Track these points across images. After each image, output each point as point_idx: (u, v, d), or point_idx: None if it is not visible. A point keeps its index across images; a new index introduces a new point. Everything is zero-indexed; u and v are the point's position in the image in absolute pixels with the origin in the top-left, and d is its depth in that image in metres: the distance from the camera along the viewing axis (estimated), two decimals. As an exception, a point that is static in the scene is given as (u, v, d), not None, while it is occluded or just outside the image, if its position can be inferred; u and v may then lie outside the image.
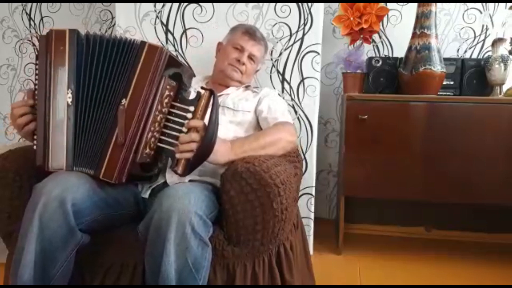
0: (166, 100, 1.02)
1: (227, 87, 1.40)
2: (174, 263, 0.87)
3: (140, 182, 1.17)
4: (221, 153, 1.03)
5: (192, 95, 1.04)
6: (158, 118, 1.01)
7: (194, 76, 1.15)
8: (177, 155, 0.98)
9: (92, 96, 1.01)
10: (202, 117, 1.01)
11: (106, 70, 1.01)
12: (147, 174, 1.07)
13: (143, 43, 1.00)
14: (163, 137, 1.04)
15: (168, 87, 1.02)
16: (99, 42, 1.01)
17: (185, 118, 1.01)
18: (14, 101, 2.33)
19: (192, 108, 1.01)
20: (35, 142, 1.02)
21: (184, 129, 1.01)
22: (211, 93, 1.01)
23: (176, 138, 1.01)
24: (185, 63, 1.08)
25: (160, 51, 0.99)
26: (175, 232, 0.87)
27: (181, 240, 0.88)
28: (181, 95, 1.05)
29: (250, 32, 1.40)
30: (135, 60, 1.00)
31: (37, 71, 1.01)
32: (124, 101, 0.98)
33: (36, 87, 1.01)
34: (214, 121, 0.98)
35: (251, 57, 1.39)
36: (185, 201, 0.90)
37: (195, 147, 0.97)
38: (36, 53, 1.04)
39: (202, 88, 1.02)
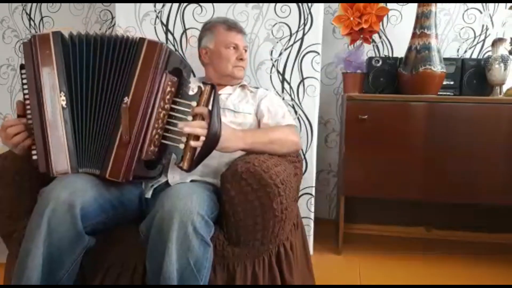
0: (168, 97, 1.01)
1: (224, 86, 1.38)
2: (176, 263, 0.87)
3: (144, 181, 1.17)
4: (232, 140, 1.03)
5: (193, 91, 1.04)
6: (161, 115, 1.01)
7: (192, 71, 1.14)
8: (192, 143, 0.96)
9: (87, 96, 1.00)
10: None
11: (102, 69, 1.00)
12: (151, 171, 1.07)
13: (142, 39, 0.99)
14: (166, 134, 1.03)
15: (169, 83, 1.01)
16: (86, 41, 1.00)
17: (188, 113, 1.00)
18: (14, 101, 2.33)
19: (194, 103, 1.00)
20: (33, 152, 1.00)
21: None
22: (212, 87, 1.00)
23: (180, 134, 1.00)
24: (183, 57, 1.08)
25: (160, 47, 0.98)
26: (177, 232, 0.87)
27: (183, 240, 0.88)
28: (182, 91, 1.04)
29: (233, 26, 1.37)
30: (134, 57, 0.99)
31: (24, 80, 1.00)
32: (126, 99, 0.97)
33: (26, 96, 0.99)
34: (216, 114, 0.97)
35: (245, 49, 1.40)
36: (187, 202, 0.90)
37: (204, 133, 0.95)
38: (21, 66, 1.02)
39: (203, 83, 1.02)
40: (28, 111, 1.00)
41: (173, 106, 1.03)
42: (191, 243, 0.88)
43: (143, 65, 0.98)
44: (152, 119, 0.99)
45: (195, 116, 0.99)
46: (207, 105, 1.00)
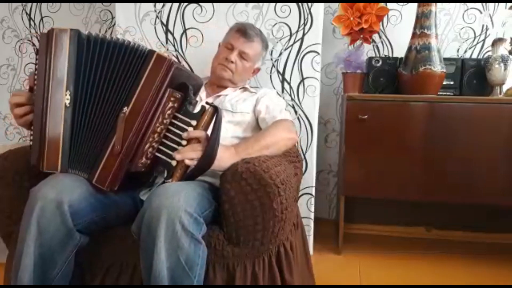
0: (169, 112, 1.00)
1: (225, 88, 1.39)
2: (166, 261, 0.87)
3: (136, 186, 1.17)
4: (225, 160, 1.03)
5: (197, 108, 1.03)
6: (158, 129, 1.00)
7: (202, 85, 1.13)
8: (186, 161, 0.97)
9: (90, 99, 1.00)
10: None
11: (108, 74, 0.99)
12: (140, 181, 1.07)
13: (151, 52, 0.98)
14: (161, 147, 1.02)
15: (172, 98, 1.00)
16: (101, 44, 0.99)
17: (186, 131, 1.00)
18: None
19: (194, 123, 1.00)
20: (31, 137, 0.99)
21: (184, 142, 1.00)
22: (215, 110, 1.00)
23: (174, 150, 1.00)
24: (191, 72, 1.06)
25: (168, 63, 0.96)
26: (165, 230, 0.87)
27: (171, 238, 0.87)
28: (185, 107, 1.02)
29: (242, 30, 1.38)
30: (141, 68, 0.98)
31: (37, 67, 0.98)
32: (125, 109, 0.97)
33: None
34: (215, 138, 0.97)
35: (241, 55, 1.37)
36: (175, 199, 0.89)
37: (196, 156, 0.97)
38: (36, 52, 1.01)
39: (207, 103, 1.02)
40: (34, 96, 0.99)
41: (173, 121, 1.02)
42: (180, 241, 0.87)
43: (148, 79, 0.97)
44: (148, 133, 0.98)
45: (190, 140, 0.99)
46: (206, 127, 1.00)
